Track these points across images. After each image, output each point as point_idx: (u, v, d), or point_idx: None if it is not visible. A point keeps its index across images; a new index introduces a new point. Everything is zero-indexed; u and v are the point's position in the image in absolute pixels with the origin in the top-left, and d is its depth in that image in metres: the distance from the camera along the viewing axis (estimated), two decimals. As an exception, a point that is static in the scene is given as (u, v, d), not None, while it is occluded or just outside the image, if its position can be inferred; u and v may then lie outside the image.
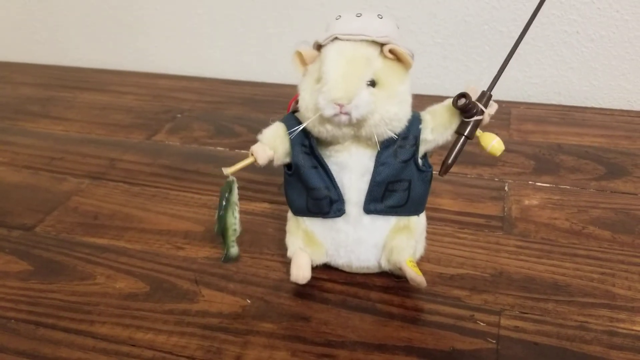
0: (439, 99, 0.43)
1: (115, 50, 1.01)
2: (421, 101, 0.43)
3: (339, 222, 0.44)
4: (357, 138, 0.41)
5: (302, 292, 0.46)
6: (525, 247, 0.50)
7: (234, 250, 0.45)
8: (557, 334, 0.41)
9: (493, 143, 0.41)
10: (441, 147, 0.44)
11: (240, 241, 0.52)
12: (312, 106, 0.40)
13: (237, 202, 0.43)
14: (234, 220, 0.44)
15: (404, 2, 0.83)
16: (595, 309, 0.43)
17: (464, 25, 0.82)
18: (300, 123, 0.42)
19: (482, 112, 0.41)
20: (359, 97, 0.38)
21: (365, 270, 0.47)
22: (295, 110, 0.43)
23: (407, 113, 0.41)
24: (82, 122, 0.80)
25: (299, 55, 0.41)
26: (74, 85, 0.94)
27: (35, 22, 1.04)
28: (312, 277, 0.45)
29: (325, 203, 0.43)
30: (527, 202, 0.57)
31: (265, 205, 0.58)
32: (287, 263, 0.47)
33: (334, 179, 0.43)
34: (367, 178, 0.43)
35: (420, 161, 0.44)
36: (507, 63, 0.42)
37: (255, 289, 0.46)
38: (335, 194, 0.43)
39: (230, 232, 0.44)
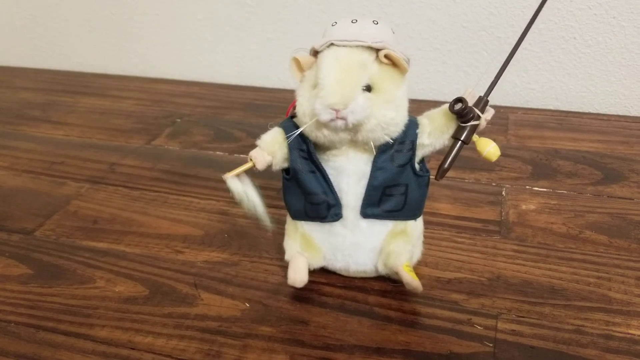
0: (437, 104, 0.44)
1: (115, 55, 1.02)
2: (419, 106, 0.44)
3: (336, 226, 0.45)
4: (354, 143, 0.42)
5: (300, 295, 0.46)
6: (522, 251, 0.51)
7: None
8: (553, 337, 0.41)
9: (489, 148, 0.42)
10: (438, 152, 0.44)
11: (239, 245, 0.52)
12: (309, 111, 0.40)
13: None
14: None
15: (403, 9, 0.83)
16: (592, 313, 0.43)
17: (462, 31, 0.82)
18: (298, 128, 0.42)
19: (478, 117, 0.41)
20: (355, 102, 0.38)
21: (362, 275, 0.47)
22: (294, 116, 0.44)
23: (403, 118, 0.42)
24: (83, 126, 0.80)
25: (296, 61, 0.42)
26: (74, 90, 0.95)
27: (36, 27, 1.04)
28: (311, 281, 0.45)
29: (323, 207, 0.44)
30: (524, 207, 0.57)
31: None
32: (285, 267, 0.47)
33: (331, 183, 0.43)
34: (364, 182, 0.43)
35: (417, 166, 0.44)
36: (505, 69, 0.42)
37: (254, 293, 0.47)
38: (332, 199, 0.44)
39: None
